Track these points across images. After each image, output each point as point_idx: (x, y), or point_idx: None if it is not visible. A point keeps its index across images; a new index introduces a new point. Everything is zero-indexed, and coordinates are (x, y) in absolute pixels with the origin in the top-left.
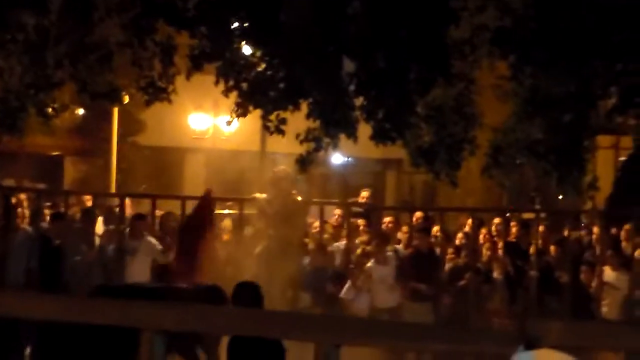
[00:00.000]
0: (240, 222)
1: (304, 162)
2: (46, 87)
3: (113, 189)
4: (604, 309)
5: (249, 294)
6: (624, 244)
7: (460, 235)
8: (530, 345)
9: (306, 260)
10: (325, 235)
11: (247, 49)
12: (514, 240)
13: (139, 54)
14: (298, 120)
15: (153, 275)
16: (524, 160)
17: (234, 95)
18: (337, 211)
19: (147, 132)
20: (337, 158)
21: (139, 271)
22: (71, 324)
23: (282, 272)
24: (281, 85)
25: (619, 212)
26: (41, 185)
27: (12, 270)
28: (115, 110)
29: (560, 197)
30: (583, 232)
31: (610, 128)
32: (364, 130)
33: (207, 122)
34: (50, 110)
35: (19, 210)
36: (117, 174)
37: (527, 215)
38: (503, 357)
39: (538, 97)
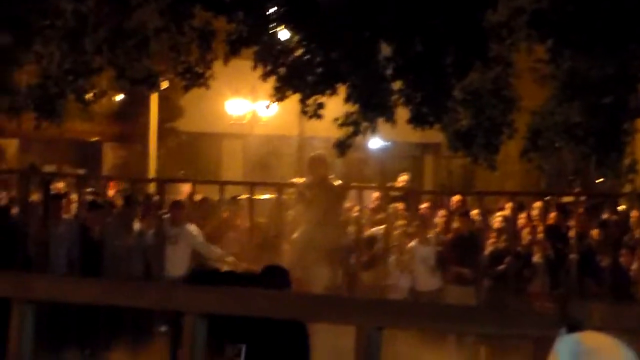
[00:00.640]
0: (278, 207)
1: (342, 147)
2: (85, 73)
3: (151, 175)
4: None
5: (277, 277)
6: None
7: (499, 219)
8: (573, 328)
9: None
10: (364, 220)
11: (284, 34)
12: (553, 223)
13: (176, 39)
14: (336, 105)
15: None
16: (563, 143)
17: (271, 80)
18: (376, 195)
19: (185, 117)
20: (375, 142)
21: (179, 259)
22: None
23: (321, 256)
24: (319, 69)
25: None
26: (80, 171)
27: (54, 260)
28: (154, 96)
29: (599, 180)
30: (622, 215)
31: None
32: (402, 114)
33: (245, 107)
34: (88, 96)
35: (63, 200)
36: (156, 160)
37: (566, 199)
38: (545, 339)
39: (577, 80)
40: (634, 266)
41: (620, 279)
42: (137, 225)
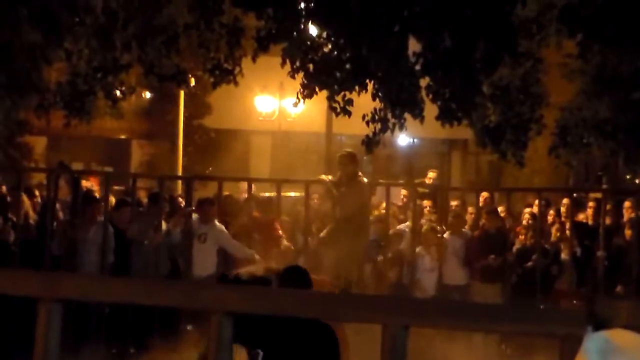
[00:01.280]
0: (306, 203)
1: (370, 143)
2: (114, 70)
3: (180, 172)
4: None
5: (297, 278)
6: None
7: (527, 215)
8: (600, 325)
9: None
10: (391, 217)
11: (313, 30)
12: (582, 220)
13: (205, 35)
14: (364, 101)
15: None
16: (592, 139)
17: (300, 76)
18: (404, 192)
19: (214, 114)
20: (402, 139)
21: (207, 258)
22: None
23: (348, 253)
24: (347, 66)
25: None
26: (109, 169)
27: (86, 261)
28: (182, 93)
29: (628, 176)
30: None
31: None
32: (430, 110)
33: (273, 104)
34: (117, 93)
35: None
36: (183, 156)
37: (595, 195)
38: (572, 337)
39: (606, 75)
40: None
41: None
42: (164, 224)
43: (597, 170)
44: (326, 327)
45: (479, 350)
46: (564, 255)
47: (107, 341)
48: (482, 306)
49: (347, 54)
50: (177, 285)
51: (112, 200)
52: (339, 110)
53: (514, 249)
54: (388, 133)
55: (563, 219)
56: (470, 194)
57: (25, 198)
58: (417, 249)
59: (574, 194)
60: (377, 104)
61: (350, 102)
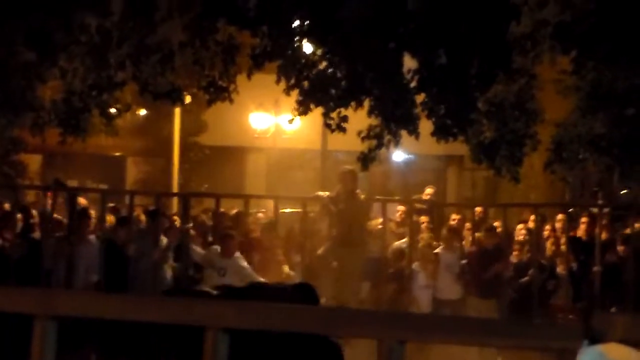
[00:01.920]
0: (303, 220)
1: (365, 160)
2: (109, 88)
3: (175, 189)
4: None
5: (306, 295)
6: None
7: (523, 231)
8: (595, 340)
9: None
10: (388, 233)
11: (308, 47)
12: (577, 235)
13: (200, 53)
14: (359, 118)
15: None
16: (587, 155)
17: (295, 93)
18: (400, 208)
19: (209, 131)
20: (398, 155)
21: None
22: None
23: (346, 270)
24: (342, 82)
25: None
26: (104, 186)
27: (81, 279)
28: (177, 111)
29: (623, 191)
30: None
31: None
32: (426, 126)
33: (269, 121)
34: (112, 110)
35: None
36: (179, 174)
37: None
38: (568, 352)
39: (600, 91)
40: None
41: None
42: (163, 241)
43: (593, 186)
44: (334, 346)
45: None
46: (560, 270)
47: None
48: (478, 321)
49: (342, 71)
50: (172, 301)
51: (111, 218)
52: (334, 127)
53: (511, 264)
54: (384, 149)
55: (558, 234)
56: (466, 211)
57: (20, 215)
58: (413, 265)
59: (570, 210)
60: (373, 120)
61: (345, 118)
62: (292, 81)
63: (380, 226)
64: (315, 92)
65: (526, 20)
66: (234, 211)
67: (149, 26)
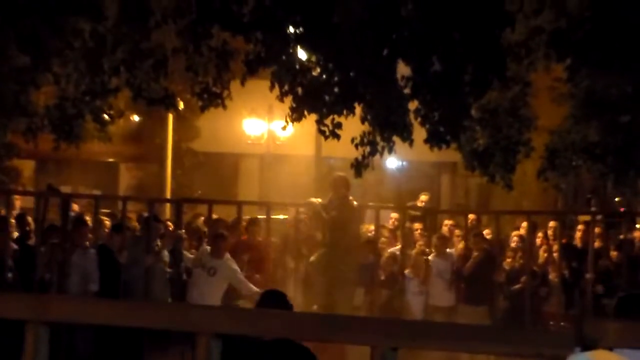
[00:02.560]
0: (295, 227)
1: (359, 167)
2: (102, 94)
3: (168, 195)
4: None
5: (275, 302)
6: None
7: (515, 238)
8: (587, 346)
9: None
10: (382, 239)
11: (302, 54)
12: (569, 242)
13: (194, 59)
14: (353, 125)
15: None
16: (580, 162)
17: (288, 100)
18: (394, 215)
19: (202, 137)
20: (391, 162)
21: (214, 292)
22: None
23: (339, 278)
24: (336, 89)
25: None
26: (97, 192)
27: (76, 287)
28: (170, 117)
29: (617, 199)
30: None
31: None
32: (419, 133)
33: (262, 127)
34: (106, 116)
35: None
36: (172, 180)
37: (583, 218)
38: (560, 359)
39: (594, 98)
40: None
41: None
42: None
43: (586, 193)
44: (306, 351)
45: None
46: (552, 278)
47: None
48: (470, 327)
49: (336, 78)
50: (164, 306)
51: (107, 223)
52: (327, 133)
53: (503, 271)
54: (377, 156)
55: (550, 241)
56: (459, 217)
57: (13, 221)
58: (406, 272)
59: (562, 217)
60: (366, 127)
61: (339, 125)
62: (286, 87)
63: (372, 233)
64: (309, 98)
65: (521, 28)
66: (231, 219)
67: (143, 32)
